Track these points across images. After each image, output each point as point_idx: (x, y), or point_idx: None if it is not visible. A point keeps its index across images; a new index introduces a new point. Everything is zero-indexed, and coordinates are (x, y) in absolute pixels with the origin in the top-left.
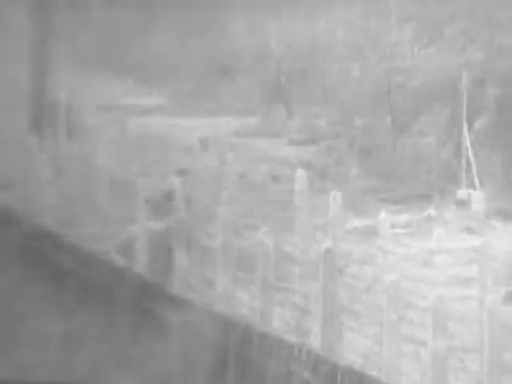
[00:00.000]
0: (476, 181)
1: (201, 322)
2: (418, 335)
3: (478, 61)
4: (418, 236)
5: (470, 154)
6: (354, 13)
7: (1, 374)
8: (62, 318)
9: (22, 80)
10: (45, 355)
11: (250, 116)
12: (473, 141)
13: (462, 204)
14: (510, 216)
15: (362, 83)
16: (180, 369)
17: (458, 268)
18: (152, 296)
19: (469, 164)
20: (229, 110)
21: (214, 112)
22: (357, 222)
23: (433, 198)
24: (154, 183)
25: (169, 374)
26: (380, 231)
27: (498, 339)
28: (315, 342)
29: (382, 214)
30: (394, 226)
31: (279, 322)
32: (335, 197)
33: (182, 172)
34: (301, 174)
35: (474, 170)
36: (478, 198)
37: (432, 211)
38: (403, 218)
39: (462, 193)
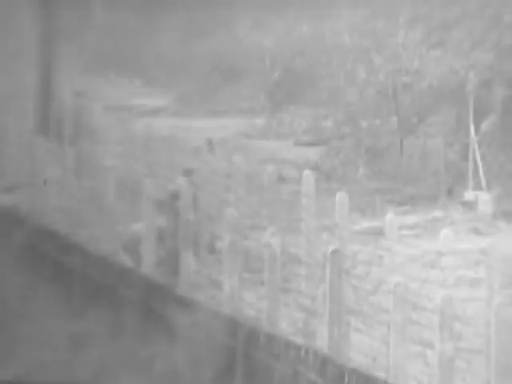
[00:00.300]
0: (483, 182)
1: (208, 323)
2: (425, 337)
3: (485, 62)
4: (424, 237)
5: (477, 155)
6: (361, 14)
7: (8, 373)
8: (70, 318)
9: (29, 81)
10: (52, 355)
11: (257, 117)
12: (480, 142)
13: (469, 205)
14: None
15: (369, 84)
16: (187, 369)
17: (464, 269)
18: (159, 297)
19: (476, 165)
20: (235, 110)
21: (220, 113)
22: (363, 223)
23: (440, 200)
24: (161, 184)
25: (176, 374)
26: (387, 232)
27: (505, 341)
28: (322, 343)
29: (389, 215)
30: (400, 227)
31: (286, 324)
32: (342, 198)
33: (189, 173)
34: (307, 175)
35: (481, 171)
36: (484, 200)
37: (439, 212)
38: (410, 219)
39: (469, 194)
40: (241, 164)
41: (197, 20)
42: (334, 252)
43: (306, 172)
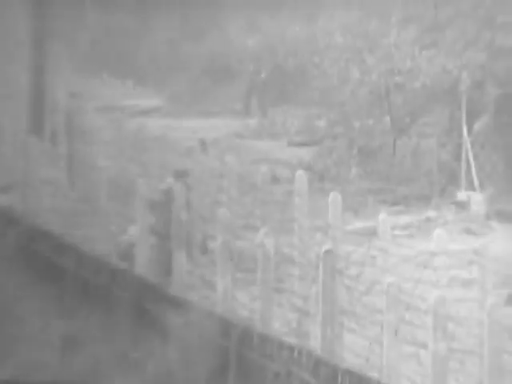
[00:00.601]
0: (476, 182)
1: (201, 323)
2: (418, 337)
3: (478, 63)
4: (417, 237)
5: (470, 155)
6: (353, 14)
7: (2, 373)
8: (63, 318)
9: (22, 81)
10: (45, 356)
11: (249, 117)
12: (472, 142)
13: (462, 205)
14: (509, 217)
15: (362, 85)
16: (180, 369)
17: (457, 270)
18: (152, 297)
19: (468, 165)
20: (227, 111)
21: (212, 113)
22: (356, 224)
23: (433, 200)
24: (153, 184)
25: (169, 374)
26: (380, 233)
27: (498, 341)
28: (315, 343)
29: (382, 216)
30: (393, 228)
31: (279, 324)
32: (335, 198)
33: (181, 173)
34: (300, 175)
35: (474, 171)
36: (477, 200)
37: (432, 213)
38: (403, 219)
39: (461, 194)
40: (233, 164)
41: (190, 21)
42: (327, 252)
43: (299, 172)
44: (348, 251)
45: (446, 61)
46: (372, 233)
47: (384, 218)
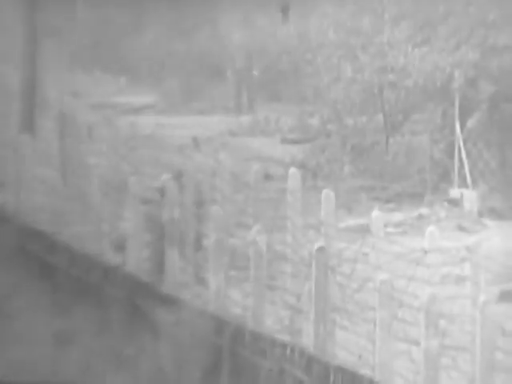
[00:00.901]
0: (468, 179)
1: (193, 321)
2: (411, 334)
3: (471, 60)
4: (410, 235)
5: (463, 152)
6: (346, 11)
7: None
8: (54, 316)
9: (13, 79)
10: (37, 354)
11: (241, 115)
12: (465, 140)
13: (455, 203)
14: (502, 215)
15: (355, 82)
16: (173, 368)
17: (450, 267)
18: (144, 295)
19: (461, 163)
20: (220, 108)
21: (205, 111)
22: (349, 221)
23: (425, 197)
24: (146, 182)
25: (161, 372)
26: (372, 230)
27: (491, 338)
28: (308, 340)
29: (375, 213)
30: (386, 225)
31: (272, 321)
32: (328, 195)
33: (174, 171)
34: (293, 172)
35: (467, 168)
36: (470, 197)
37: (424, 210)
38: (396, 216)
39: (454, 191)
40: (226, 162)
41: (182, 17)
42: (320, 249)
43: (292, 170)
44: (341, 248)
45: (439, 58)
46: (365, 230)
47: (377, 216)
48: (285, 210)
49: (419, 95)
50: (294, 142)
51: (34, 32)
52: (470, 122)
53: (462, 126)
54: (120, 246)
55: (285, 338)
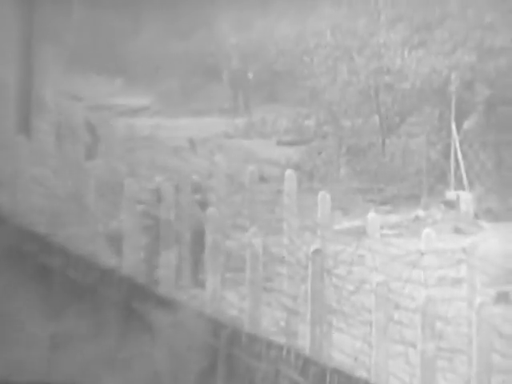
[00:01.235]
0: (465, 181)
1: (189, 323)
2: (407, 336)
3: (467, 62)
4: (406, 236)
5: (459, 154)
6: (342, 13)
7: None
8: (50, 318)
9: (9, 80)
10: (33, 355)
11: (238, 116)
12: (462, 142)
13: (451, 204)
14: (498, 216)
15: (351, 84)
16: (169, 369)
17: (446, 269)
18: (140, 297)
19: (457, 165)
20: (216, 110)
21: (201, 112)
22: (345, 223)
23: (421, 199)
24: (141, 184)
25: (157, 374)
26: (369, 232)
27: (487, 340)
28: (304, 342)
29: (371, 215)
30: (382, 227)
31: (268, 323)
32: (324, 197)
33: (170, 172)
34: (289, 174)
35: (463, 170)
36: (466, 199)
37: (421, 212)
38: (392, 218)
39: (450, 193)
40: (222, 163)
41: (178, 19)
42: (316, 251)
43: (288, 171)
44: (337, 250)
45: (436, 61)
46: (361, 232)
47: (373, 218)
48: (281, 212)
49: (416, 97)
50: (290, 143)
51: (30, 33)
52: (467, 124)
53: (459, 128)
54: (116, 244)
55: (281, 339)
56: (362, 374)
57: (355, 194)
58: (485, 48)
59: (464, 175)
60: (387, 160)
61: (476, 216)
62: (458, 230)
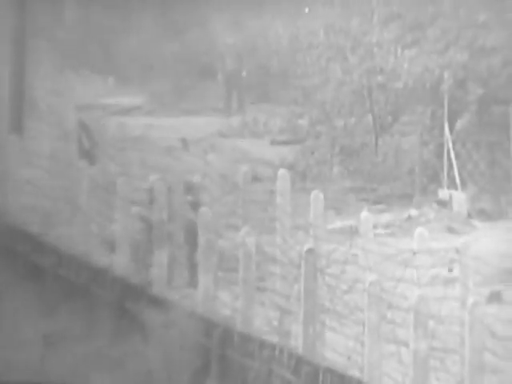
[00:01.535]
0: (457, 181)
1: (182, 323)
2: (400, 335)
3: (460, 61)
4: (399, 236)
5: (452, 154)
6: (335, 13)
7: None
8: (43, 317)
9: (1, 79)
10: (25, 355)
11: (231, 116)
12: (454, 141)
13: (444, 204)
14: (491, 216)
15: (344, 83)
16: (161, 369)
17: (439, 268)
18: (133, 296)
19: (450, 164)
20: (210, 109)
21: (194, 112)
22: (338, 222)
23: (414, 198)
24: (134, 183)
25: (150, 374)
26: (361, 231)
27: (479, 339)
28: (297, 342)
29: (364, 214)
30: (375, 226)
31: (260, 323)
32: (317, 197)
33: (162, 172)
34: (282, 174)
35: (456, 170)
36: (459, 198)
37: (413, 211)
38: (385, 217)
39: (443, 193)
40: (216, 163)
41: (171, 18)
42: (309, 251)
43: (281, 171)
44: (330, 250)
45: (428, 60)
46: (354, 231)
47: (366, 217)
48: (274, 212)
49: (408, 97)
50: (284, 143)
51: (22, 32)
52: (459, 124)
53: (451, 128)
54: (110, 246)
55: (274, 339)
56: (354, 373)
57: (348, 193)
58: (477, 47)
59: (457, 174)
60: (380, 159)
61: (469, 215)
62: (450, 230)
